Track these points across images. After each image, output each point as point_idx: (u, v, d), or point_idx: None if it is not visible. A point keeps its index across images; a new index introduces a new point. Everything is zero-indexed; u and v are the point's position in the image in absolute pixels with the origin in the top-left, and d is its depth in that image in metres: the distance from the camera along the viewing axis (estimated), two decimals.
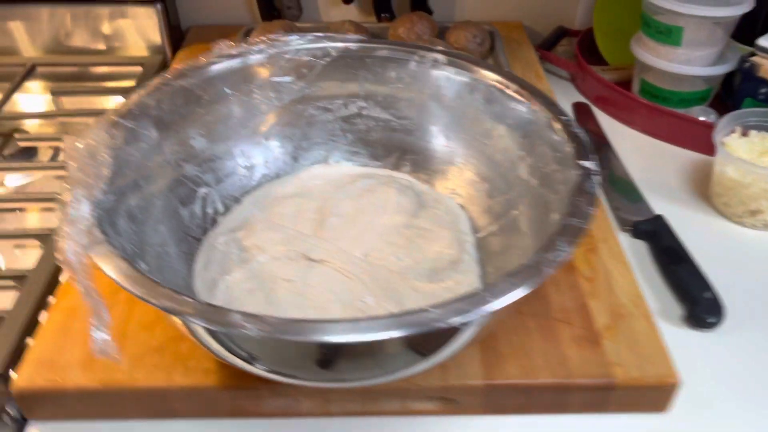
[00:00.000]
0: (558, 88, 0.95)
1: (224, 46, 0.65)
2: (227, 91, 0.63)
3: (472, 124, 0.65)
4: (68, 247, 0.42)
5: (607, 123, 0.90)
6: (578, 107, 0.93)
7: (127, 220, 0.52)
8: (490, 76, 0.63)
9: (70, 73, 0.95)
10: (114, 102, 0.90)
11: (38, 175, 0.77)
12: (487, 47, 0.94)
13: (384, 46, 0.67)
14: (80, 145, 0.49)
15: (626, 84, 0.95)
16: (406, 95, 0.68)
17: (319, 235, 0.58)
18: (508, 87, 0.61)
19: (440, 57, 0.65)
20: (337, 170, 0.68)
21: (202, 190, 0.63)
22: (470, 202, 0.65)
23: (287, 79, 0.65)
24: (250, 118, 0.65)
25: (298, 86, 0.65)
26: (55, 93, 0.90)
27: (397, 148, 0.70)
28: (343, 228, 0.58)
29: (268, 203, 0.64)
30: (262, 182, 0.68)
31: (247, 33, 0.97)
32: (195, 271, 0.59)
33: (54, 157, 0.83)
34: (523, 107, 0.60)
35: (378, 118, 0.69)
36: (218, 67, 0.63)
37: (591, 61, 0.97)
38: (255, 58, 0.64)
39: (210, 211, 0.64)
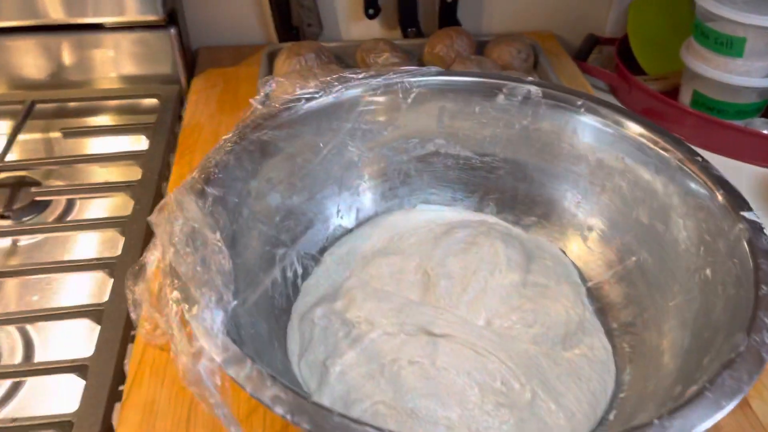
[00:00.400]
0: None
1: (276, 86, 0.58)
2: (307, 137, 0.55)
3: (567, 159, 0.60)
4: (203, 368, 0.35)
5: None
6: None
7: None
8: (591, 107, 0.57)
9: (75, 110, 0.85)
10: (130, 142, 0.81)
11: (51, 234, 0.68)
12: (531, 62, 0.89)
13: (467, 79, 0.60)
14: (178, 227, 0.42)
15: (669, 95, 0.92)
16: (490, 131, 0.62)
17: (429, 301, 0.52)
18: (615, 122, 0.56)
19: (533, 90, 0.59)
20: (419, 216, 0.62)
21: (280, 251, 0.55)
22: (571, 246, 0.60)
23: (370, 120, 0.57)
24: (325, 166, 0.58)
25: (380, 128, 0.58)
26: (68, 133, 0.80)
27: (479, 188, 0.64)
28: (455, 292, 0.52)
29: (357, 263, 0.57)
30: (337, 235, 0.61)
31: (271, 55, 0.89)
32: (291, 351, 0.51)
33: (67, 212, 0.73)
34: (637, 142, 0.55)
35: (457, 155, 0.63)
36: (292, 114, 0.55)
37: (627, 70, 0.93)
38: (328, 101, 0.57)
39: (290, 275, 0.56)
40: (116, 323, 0.56)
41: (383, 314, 0.50)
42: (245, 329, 0.47)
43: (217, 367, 0.36)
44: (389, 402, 0.46)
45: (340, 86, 0.57)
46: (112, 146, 0.81)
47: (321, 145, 0.55)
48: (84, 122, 0.84)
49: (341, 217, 0.61)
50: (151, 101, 0.85)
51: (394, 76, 0.59)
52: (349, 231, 0.61)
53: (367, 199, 0.62)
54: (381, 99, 0.57)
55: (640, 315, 0.53)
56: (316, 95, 0.56)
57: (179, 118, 0.84)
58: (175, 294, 0.38)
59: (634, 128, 0.55)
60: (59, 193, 0.72)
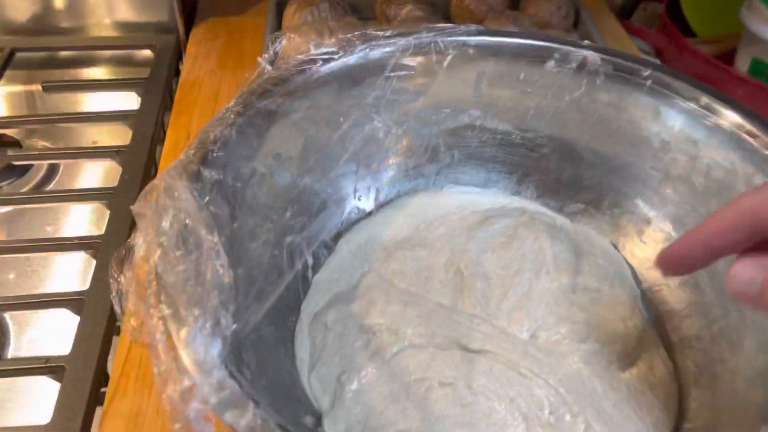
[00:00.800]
0: None
1: (287, 42, 0.49)
2: (325, 108, 0.47)
3: (626, 139, 0.51)
4: (192, 410, 0.28)
5: None
6: None
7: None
8: (660, 79, 0.48)
9: (60, 60, 0.76)
10: (120, 99, 0.72)
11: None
12: (571, 21, 0.79)
13: (513, 40, 0.51)
14: (167, 221, 0.33)
15: (722, 60, 0.82)
16: (535, 103, 0.53)
17: (463, 307, 0.44)
18: (689, 98, 0.47)
19: (591, 56, 0.50)
20: (448, 200, 0.54)
21: (288, 239, 0.47)
22: (624, 240, 0.52)
23: (398, 88, 0.49)
24: (344, 141, 0.50)
25: (410, 97, 0.50)
26: (49, 87, 0.71)
27: (518, 168, 0.55)
28: (494, 296, 0.44)
29: (378, 255, 0.49)
30: (353, 219, 0.53)
31: (280, 4, 0.79)
32: (300, 360, 0.44)
33: (49, 177, 0.65)
34: (717, 124, 0.46)
35: (495, 129, 0.54)
36: (307, 78, 0.46)
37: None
38: (350, 63, 0.48)
39: (299, 266, 0.49)
40: (98, 315, 0.49)
41: (409, 322, 0.43)
42: (247, 337, 0.40)
43: (210, 410, 0.28)
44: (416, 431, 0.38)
45: (363, 45, 0.48)
46: (101, 103, 0.72)
47: (341, 117, 0.47)
48: (70, 75, 0.75)
49: (359, 199, 0.53)
50: (144, 53, 0.76)
51: (427, 34, 0.50)
52: (368, 215, 0.53)
53: (389, 178, 0.54)
54: (413, 62, 0.48)
55: (708, 327, 0.45)
56: (335, 56, 0.47)
57: (176, 72, 0.75)
58: (163, 309, 0.30)
59: (713, 106, 0.47)
60: (39, 157, 0.64)
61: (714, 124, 0.46)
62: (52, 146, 0.68)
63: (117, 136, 0.67)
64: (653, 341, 0.45)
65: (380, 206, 0.54)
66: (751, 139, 0.44)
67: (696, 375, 0.44)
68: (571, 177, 0.54)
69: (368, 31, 0.49)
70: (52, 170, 0.67)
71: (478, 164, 0.56)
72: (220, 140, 0.41)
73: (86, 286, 0.51)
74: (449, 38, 0.50)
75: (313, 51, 0.48)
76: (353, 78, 0.47)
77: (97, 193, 0.59)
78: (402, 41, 0.49)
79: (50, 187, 0.65)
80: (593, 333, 0.43)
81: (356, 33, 0.49)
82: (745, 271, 0.29)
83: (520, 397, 0.39)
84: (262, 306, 0.39)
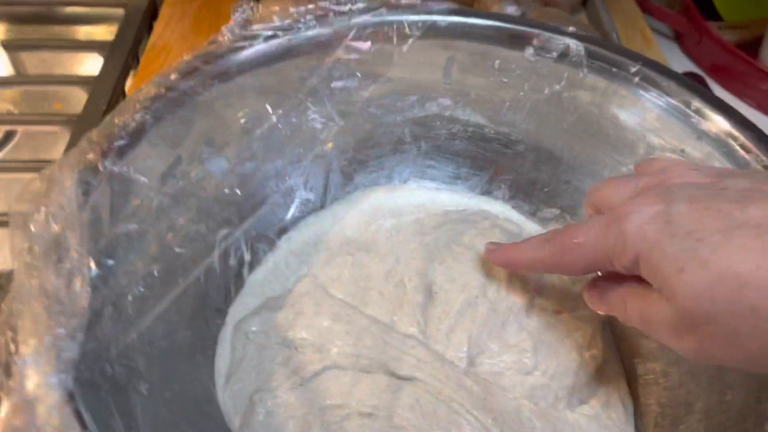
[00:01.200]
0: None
1: (249, 11, 0.44)
2: (251, 96, 0.42)
3: (608, 140, 0.45)
4: None
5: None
6: None
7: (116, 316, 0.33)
8: (648, 77, 0.42)
9: (20, 16, 0.71)
10: (82, 62, 0.68)
11: None
12: None
13: (488, 22, 0.45)
14: (36, 225, 0.29)
15: (746, 48, 0.74)
16: (511, 94, 0.47)
17: (400, 326, 0.39)
18: (681, 100, 0.41)
19: (574, 45, 0.44)
20: (408, 198, 0.49)
21: (222, 232, 0.43)
22: None
23: (347, 75, 0.43)
24: (289, 124, 0.45)
25: (359, 86, 0.44)
26: (9, 46, 0.67)
27: (491, 164, 0.50)
28: (435, 315, 0.40)
29: (319, 257, 0.44)
30: (304, 212, 0.48)
31: None
32: (218, 371, 0.40)
33: (5, 141, 0.62)
34: (707, 132, 0.40)
35: (466, 121, 0.49)
36: (249, 54, 0.41)
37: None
38: (284, 44, 0.42)
39: (233, 263, 0.44)
40: None
41: (335, 339, 0.38)
42: (151, 344, 0.36)
43: None
44: None
45: (310, 22, 0.42)
46: (70, 65, 0.68)
47: (268, 108, 0.42)
48: (35, 32, 0.71)
49: (309, 190, 0.48)
50: (115, 11, 0.71)
51: (390, 13, 0.44)
52: (320, 208, 0.49)
53: (344, 168, 0.49)
54: (364, 45, 0.43)
55: (677, 364, 0.40)
56: (280, 33, 0.42)
57: (148, 33, 0.70)
58: (5, 331, 0.26)
59: (704, 111, 0.40)
60: None
61: (705, 131, 0.40)
62: (13, 110, 0.64)
63: (74, 102, 0.62)
64: (615, 375, 0.41)
65: (334, 200, 0.49)
66: (743, 153, 0.38)
67: (657, 417, 0.39)
68: (547, 179, 0.48)
69: (323, 4, 0.44)
70: (9, 136, 0.63)
71: (447, 158, 0.50)
72: (131, 127, 0.36)
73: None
74: (415, 17, 0.45)
75: (276, 22, 0.43)
76: (287, 61, 0.42)
77: (41, 164, 0.55)
78: (359, 19, 0.43)
79: (2, 153, 0.61)
80: (542, 364, 0.38)
81: (311, 6, 0.44)
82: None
83: None
84: (154, 309, 0.35)
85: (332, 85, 0.42)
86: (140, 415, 0.33)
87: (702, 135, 0.40)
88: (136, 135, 0.36)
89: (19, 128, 0.62)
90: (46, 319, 0.26)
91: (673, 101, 0.42)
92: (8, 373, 0.26)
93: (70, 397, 0.26)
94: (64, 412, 0.25)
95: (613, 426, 0.38)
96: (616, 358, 0.41)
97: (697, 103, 0.41)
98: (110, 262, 0.31)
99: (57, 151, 0.57)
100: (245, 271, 0.45)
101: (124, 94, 0.63)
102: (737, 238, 0.25)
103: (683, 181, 0.30)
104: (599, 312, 0.34)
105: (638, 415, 0.40)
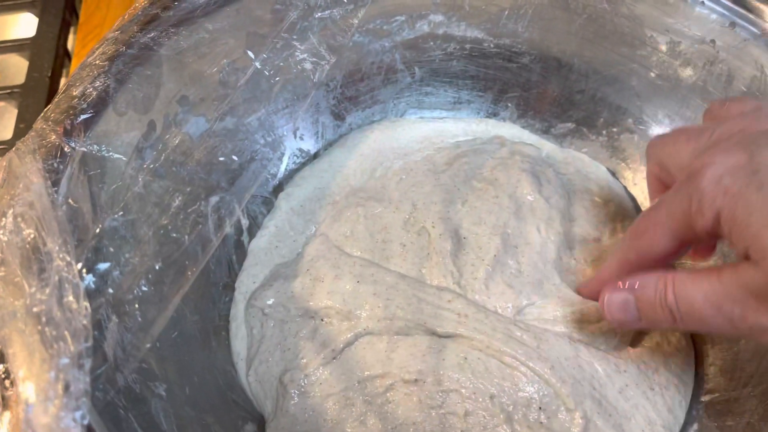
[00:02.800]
0: None
1: None
2: (227, 42, 0.36)
3: (624, 40, 0.41)
4: None
5: None
6: None
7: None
8: None
9: None
10: (13, 24, 0.60)
11: None
12: None
13: None
14: (4, 233, 0.24)
15: None
16: (510, 2, 0.42)
17: (431, 278, 0.36)
18: None
19: None
20: (410, 132, 0.44)
21: (213, 200, 0.38)
22: (624, 166, 0.43)
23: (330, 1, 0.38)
24: (277, 69, 0.39)
25: (345, 11, 0.39)
26: None
27: (494, 84, 0.45)
28: (468, 261, 0.36)
29: (325, 213, 0.40)
30: (297, 164, 0.43)
31: None
32: (236, 353, 0.36)
33: None
34: (740, 17, 0.36)
35: (462, 37, 0.44)
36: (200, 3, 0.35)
37: None
38: None
39: (231, 231, 0.40)
40: None
41: (363, 302, 0.34)
42: (162, 338, 0.32)
43: None
44: None
45: None
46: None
47: (250, 53, 0.36)
48: None
49: (300, 138, 0.43)
50: None
51: None
52: (313, 158, 0.44)
53: (334, 108, 0.44)
54: None
55: None
56: None
57: None
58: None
59: None
60: None
61: (740, 18, 0.36)
62: None
63: (14, 71, 0.55)
64: None
65: (328, 146, 0.44)
66: None
67: (712, 333, 0.37)
68: (558, 91, 0.44)
69: None
70: None
71: (445, 82, 0.46)
72: (92, 96, 0.31)
73: None
74: None
75: None
76: None
77: None
78: None
79: None
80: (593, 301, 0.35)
81: None
82: (616, 296, 0.29)
83: (503, 392, 0.32)
84: (170, 301, 0.30)
85: (314, 17, 0.36)
86: (164, 421, 0.29)
87: (735, 23, 0.36)
88: (101, 104, 0.31)
89: None
90: (42, 348, 0.21)
91: None
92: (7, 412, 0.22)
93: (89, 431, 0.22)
94: None
95: (674, 352, 0.35)
96: None
97: None
98: (103, 265, 0.26)
99: (5, 129, 0.50)
100: (245, 238, 0.41)
101: (68, 55, 0.56)
102: None
103: (767, 128, 0.25)
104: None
105: (694, 335, 0.37)
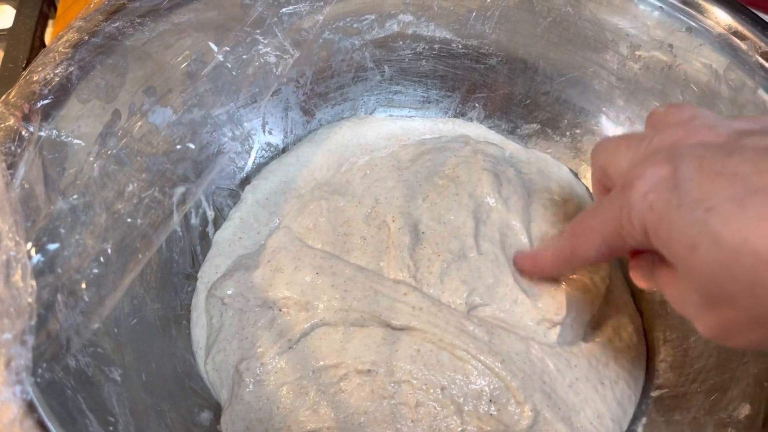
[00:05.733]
0: None
1: None
2: (190, 35, 0.37)
3: (588, 44, 0.42)
4: None
5: None
6: None
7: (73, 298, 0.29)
8: None
9: None
10: (0, 12, 0.60)
11: None
12: None
13: None
14: None
15: None
16: (478, 3, 0.43)
17: (388, 271, 0.36)
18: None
19: None
20: (378, 129, 0.45)
21: (179, 190, 0.39)
22: (586, 166, 0.44)
23: None
24: (239, 61, 0.40)
25: (313, 8, 0.39)
26: None
27: (462, 84, 0.46)
28: (425, 256, 0.36)
29: (290, 206, 0.40)
30: (265, 158, 0.44)
31: None
32: (196, 341, 0.37)
33: None
34: (696, 22, 0.37)
35: (431, 38, 0.44)
36: None
37: None
38: None
39: (195, 222, 0.40)
40: None
41: (321, 294, 0.35)
42: (120, 324, 0.32)
43: None
44: (329, 429, 0.32)
45: None
46: None
47: (212, 46, 0.36)
48: None
49: (269, 133, 0.44)
50: None
51: None
52: (282, 152, 0.44)
53: (303, 104, 0.44)
54: None
55: None
56: None
57: None
58: None
59: (694, 0, 0.37)
60: None
61: (696, 22, 0.37)
62: None
63: None
64: (622, 293, 0.38)
65: (297, 141, 0.45)
66: (739, 42, 0.35)
67: (666, 329, 0.38)
68: (524, 93, 0.45)
69: None
70: None
71: (414, 81, 0.46)
72: (54, 83, 0.31)
73: None
74: None
75: None
76: None
77: None
78: None
79: None
80: (549, 298, 0.35)
81: None
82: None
83: (453, 384, 0.32)
84: (119, 284, 0.30)
85: (281, 12, 0.37)
86: (116, 405, 0.30)
87: (692, 27, 0.37)
88: (62, 91, 0.31)
89: None
90: None
91: None
92: None
93: (30, 408, 0.22)
94: (25, 425, 0.22)
95: (625, 348, 0.36)
96: (619, 273, 0.39)
97: None
98: (53, 245, 0.26)
99: None
100: (210, 230, 0.41)
101: (44, 46, 0.56)
102: (752, 207, 0.21)
103: (697, 140, 0.25)
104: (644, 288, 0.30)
105: (646, 331, 0.38)
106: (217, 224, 0.41)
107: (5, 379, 0.21)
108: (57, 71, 0.31)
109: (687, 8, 0.37)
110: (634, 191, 0.25)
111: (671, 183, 0.23)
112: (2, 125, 0.29)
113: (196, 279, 0.39)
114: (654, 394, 0.36)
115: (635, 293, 0.39)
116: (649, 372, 0.37)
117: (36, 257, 0.25)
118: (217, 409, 0.35)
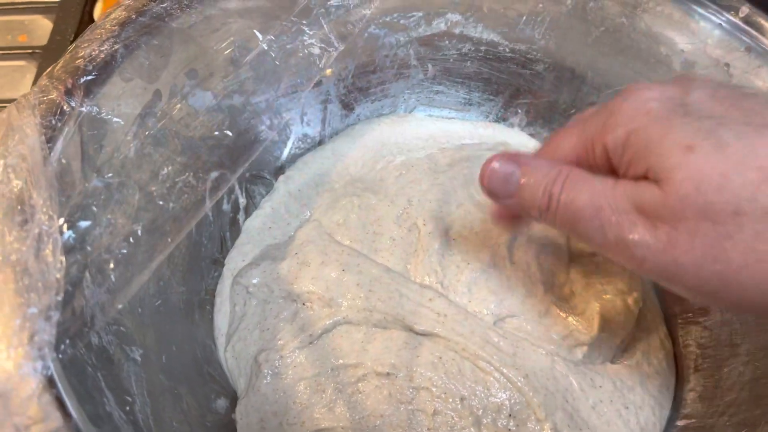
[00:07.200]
0: None
1: None
2: (235, 21, 0.36)
3: (640, 57, 0.40)
4: None
5: None
6: None
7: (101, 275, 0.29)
8: None
9: None
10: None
11: None
12: None
13: None
14: None
15: None
16: (529, 7, 0.42)
17: (415, 274, 0.36)
18: (724, 6, 0.36)
19: None
20: (416, 129, 0.44)
21: (213, 175, 0.39)
22: None
23: None
24: (282, 51, 0.39)
25: (359, 1, 0.39)
26: None
27: (506, 88, 0.45)
28: (453, 263, 0.36)
29: (322, 199, 0.40)
30: (301, 150, 0.44)
31: None
32: (218, 328, 0.37)
33: None
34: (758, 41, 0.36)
35: (479, 39, 0.44)
36: None
37: None
38: None
39: (227, 208, 0.40)
40: None
41: (346, 291, 0.34)
42: (144, 304, 0.32)
43: None
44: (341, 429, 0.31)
45: None
46: None
47: (258, 33, 0.36)
48: None
49: (307, 124, 0.44)
50: None
51: None
52: (318, 144, 0.44)
53: (344, 97, 0.44)
54: None
55: None
56: None
57: None
58: None
59: (755, 20, 0.36)
60: None
61: (756, 42, 0.36)
62: None
63: (39, 33, 0.56)
64: (654, 316, 0.37)
65: (334, 134, 0.45)
66: None
67: (697, 358, 0.36)
68: (569, 102, 0.44)
69: None
70: None
71: (457, 82, 0.45)
72: (99, 59, 0.31)
73: None
74: None
75: None
76: None
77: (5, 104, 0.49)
78: None
79: None
80: (580, 315, 0.34)
81: None
82: (503, 166, 0.26)
83: (474, 395, 0.31)
84: (147, 265, 0.30)
85: (329, 4, 0.36)
86: (135, 385, 0.30)
87: (751, 47, 0.36)
88: (106, 68, 0.31)
89: None
90: (13, 295, 0.22)
91: (716, 7, 0.37)
92: None
93: (50, 383, 0.22)
94: (44, 400, 0.22)
95: (654, 373, 0.35)
96: (655, 298, 0.38)
97: (746, 9, 0.35)
98: (85, 223, 0.26)
99: (22, 87, 0.51)
100: (241, 217, 0.41)
101: (92, 21, 0.57)
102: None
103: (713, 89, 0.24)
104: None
105: (676, 356, 0.37)
106: (248, 212, 0.41)
107: (27, 353, 0.21)
108: (102, 48, 0.31)
109: (748, 27, 0.35)
110: (631, 98, 0.24)
111: (680, 100, 0.23)
112: (45, 98, 0.29)
113: (222, 265, 0.39)
114: (680, 423, 0.35)
115: (668, 318, 0.38)
116: (677, 400, 0.35)
117: (67, 233, 0.25)
118: (233, 398, 0.35)
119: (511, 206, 0.27)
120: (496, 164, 0.26)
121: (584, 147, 0.26)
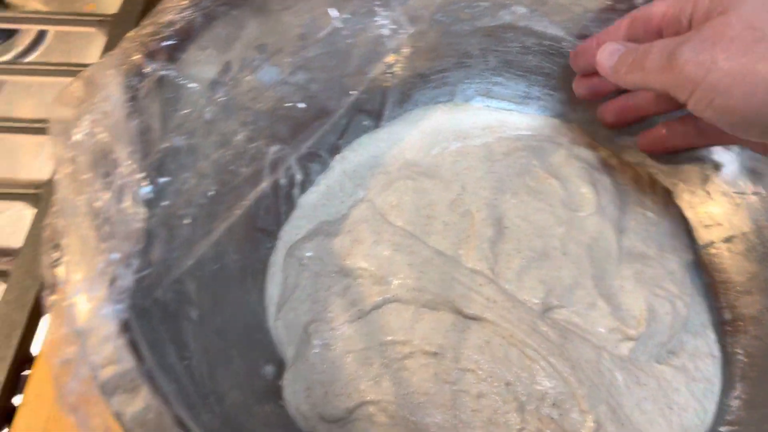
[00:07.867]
0: None
1: None
2: None
3: None
4: (69, 388, 0.21)
5: None
6: None
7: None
8: None
9: None
10: None
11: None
12: None
13: None
14: (80, 135, 0.26)
15: None
16: (597, 3, 0.42)
17: (466, 259, 0.36)
18: None
19: None
20: (473, 118, 0.44)
21: (273, 149, 0.39)
22: (683, 186, 0.42)
23: None
24: (353, 30, 0.40)
25: None
26: None
27: (567, 84, 0.45)
28: (505, 251, 0.36)
29: (376, 180, 0.41)
30: (357, 131, 0.44)
31: None
32: (269, 297, 0.38)
33: (36, 43, 0.58)
34: None
35: (542, 33, 0.44)
36: None
37: None
38: None
39: (284, 182, 0.41)
40: (29, 281, 0.40)
41: (397, 270, 0.35)
42: (202, 269, 0.33)
43: (93, 393, 0.22)
44: (386, 406, 0.32)
45: None
46: None
47: (332, 12, 0.37)
48: None
49: (367, 107, 0.44)
50: None
51: None
52: (375, 127, 0.45)
53: (405, 82, 0.44)
54: None
55: None
56: None
57: None
58: (52, 255, 0.23)
59: None
60: (22, 20, 0.57)
61: None
62: (42, 8, 0.60)
63: (112, 1, 0.58)
64: (702, 323, 0.37)
65: (391, 118, 0.45)
66: None
67: (745, 367, 0.36)
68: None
69: None
70: (41, 37, 0.59)
71: (518, 75, 0.46)
72: (179, 26, 0.32)
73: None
74: None
75: None
76: None
77: (76, 68, 0.51)
78: None
79: (34, 56, 0.58)
80: (629, 310, 0.35)
81: None
82: (610, 46, 0.35)
83: (519, 381, 0.32)
84: (215, 227, 0.31)
85: None
86: (192, 342, 0.31)
87: None
88: (185, 35, 0.32)
89: (51, 29, 0.59)
90: (97, 241, 0.23)
91: None
92: (54, 296, 0.23)
93: (125, 327, 0.23)
94: (118, 343, 0.23)
95: (701, 378, 0.35)
96: (704, 303, 0.38)
97: None
98: (162, 179, 0.27)
99: (91, 55, 0.53)
100: (296, 191, 0.42)
101: None
102: None
103: None
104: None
105: (724, 364, 0.37)
106: (303, 188, 0.42)
107: (108, 295, 0.22)
108: (183, 15, 0.32)
109: None
110: None
111: None
112: (128, 60, 0.30)
113: (276, 237, 0.40)
114: (722, 429, 0.34)
115: (718, 325, 0.38)
116: (721, 407, 0.35)
117: (146, 188, 0.26)
118: (280, 365, 0.36)
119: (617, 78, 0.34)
120: (609, 43, 0.35)
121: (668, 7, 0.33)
